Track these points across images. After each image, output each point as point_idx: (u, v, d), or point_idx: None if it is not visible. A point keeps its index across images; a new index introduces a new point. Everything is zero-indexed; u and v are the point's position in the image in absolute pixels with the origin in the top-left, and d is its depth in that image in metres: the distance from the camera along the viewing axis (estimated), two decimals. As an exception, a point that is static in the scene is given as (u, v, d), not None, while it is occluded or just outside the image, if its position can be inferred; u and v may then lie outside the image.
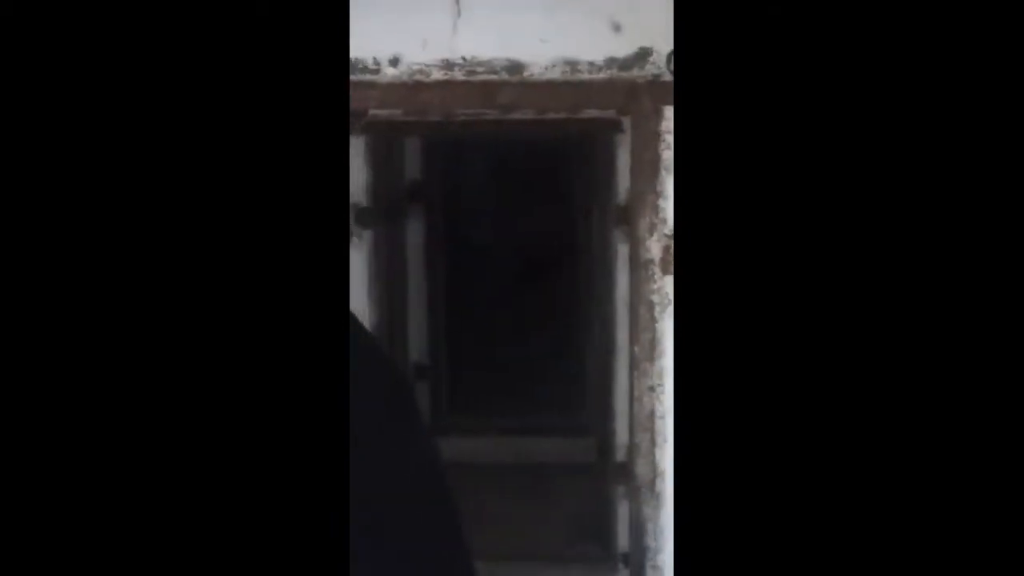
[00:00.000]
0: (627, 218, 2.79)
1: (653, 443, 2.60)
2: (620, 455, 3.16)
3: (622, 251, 3.00)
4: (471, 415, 5.29)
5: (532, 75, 2.47)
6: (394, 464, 1.24)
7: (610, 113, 2.74)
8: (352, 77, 2.53)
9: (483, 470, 4.60)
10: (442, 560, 1.48)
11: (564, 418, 5.22)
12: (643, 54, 2.47)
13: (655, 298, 2.54)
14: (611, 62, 2.46)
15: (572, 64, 2.47)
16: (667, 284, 2.53)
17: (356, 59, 2.50)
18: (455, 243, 5.64)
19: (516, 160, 5.67)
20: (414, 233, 4.79)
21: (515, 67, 2.48)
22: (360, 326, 1.26)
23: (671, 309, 2.52)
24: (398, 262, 4.39)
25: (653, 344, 2.56)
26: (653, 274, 2.53)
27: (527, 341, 6.04)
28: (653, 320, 2.56)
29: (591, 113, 2.73)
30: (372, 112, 2.80)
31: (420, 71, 2.50)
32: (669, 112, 2.50)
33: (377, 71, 2.50)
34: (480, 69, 2.48)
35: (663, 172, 2.52)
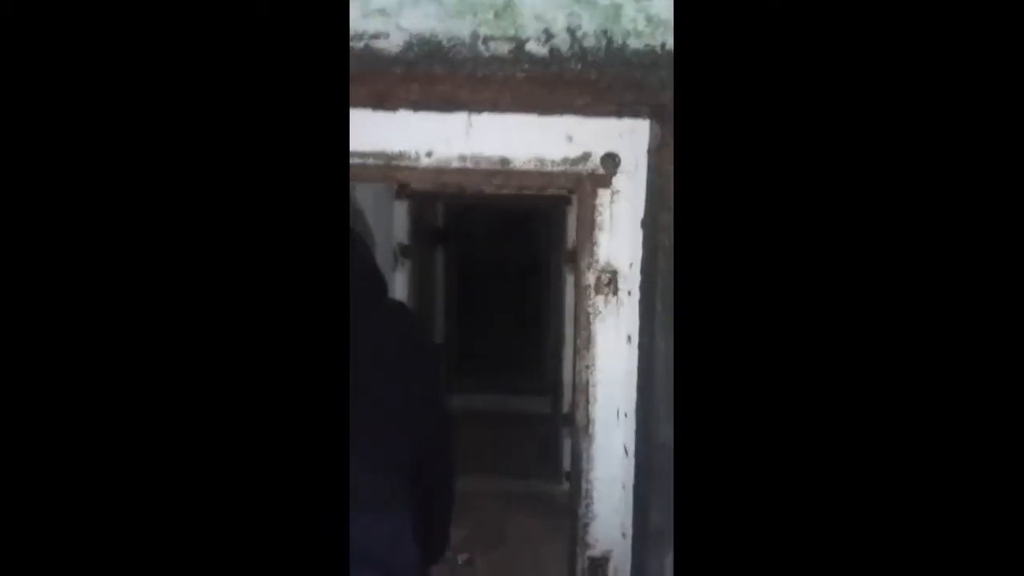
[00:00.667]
0: (573, 257, 3.43)
1: (587, 402, 3.03)
2: (566, 408, 3.99)
3: (569, 279, 3.77)
4: (472, 379, 7.06)
5: (516, 166, 2.88)
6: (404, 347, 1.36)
7: (563, 191, 3.32)
8: (401, 163, 2.88)
9: (477, 415, 6.00)
10: (427, 404, 1.63)
11: (531, 383, 6.76)
12: (585, 156, 2.87)
13: (590, 310, 2.96)
14: (565, 160, 2.88)
15: (541, 160, 2.87)
16: (598, 301, 3.21)
17: (403, 151, 2.86)
18: (465, 267, 7.48)
19: (506, 217, 7.68)
20: (439, 261, 6.22)
21: (505, 160, 2.90)
22: (402, 305, 1.42)
23: (600, 317, 2.93)
24: (428, 279, 5.65)
25: (588, 339, 2.96)
26: (590, 294, 2.94)
27: (512, 332, 7.81)
28: (589, 324, 2.95)
29: (553, 191, 3.30)
30: (412, 187, 3.46)
31: (445, 160, 2.88)
32: (601, 193, 2.88)
33: (417, 159, 2.87)
34: (483, 162, 2.89)
35: (597, 229, 2.92)
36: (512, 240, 8.37)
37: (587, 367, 3.06)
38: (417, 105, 2.95)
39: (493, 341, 7.84)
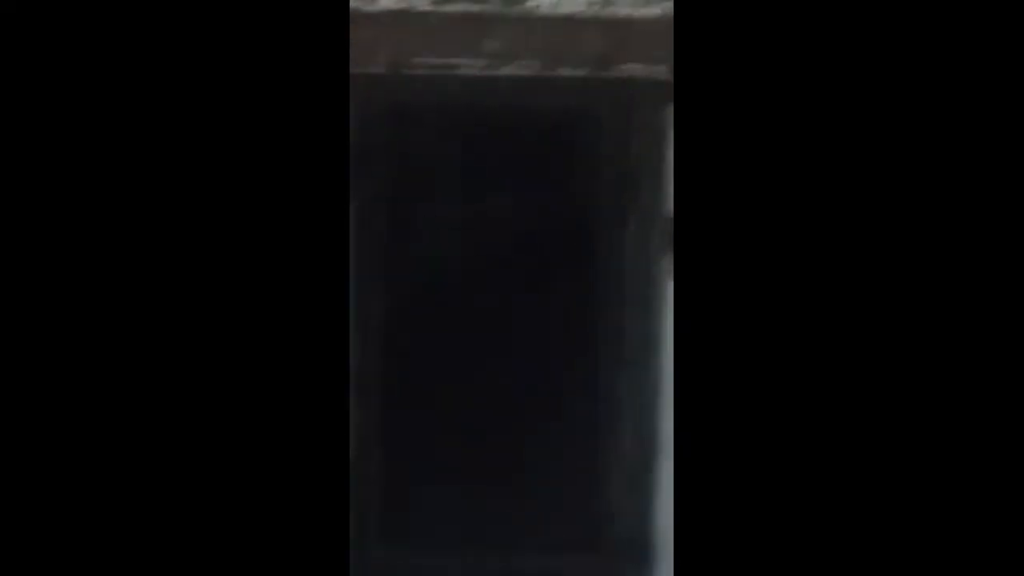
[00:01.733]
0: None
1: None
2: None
3: (666, 285, 1.85)
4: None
5: (540, 7, 1.51)
6: None
7: (661, 71, 1.66)
8: None
9: None
10: None
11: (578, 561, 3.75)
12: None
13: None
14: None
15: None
16: None
17: None
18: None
19: (506, 145, 3.50)
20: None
21: None
22: None
23: None
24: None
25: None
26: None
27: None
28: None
29: (632, 69, 1.64)
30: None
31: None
32: None
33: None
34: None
35: None
36: (519, 195, 3.69)
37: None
38: None
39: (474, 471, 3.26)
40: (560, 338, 2.21)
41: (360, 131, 2.14)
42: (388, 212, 2.10)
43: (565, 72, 1.65)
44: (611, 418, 2.28)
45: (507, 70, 1.63)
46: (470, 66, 1.59)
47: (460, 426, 2.23)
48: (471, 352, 2.12)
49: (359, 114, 2.16)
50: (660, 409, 1.95)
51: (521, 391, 2.19)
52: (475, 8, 1.48)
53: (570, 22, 1.50)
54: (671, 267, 1.84)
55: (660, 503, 2.01)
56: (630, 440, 2.10)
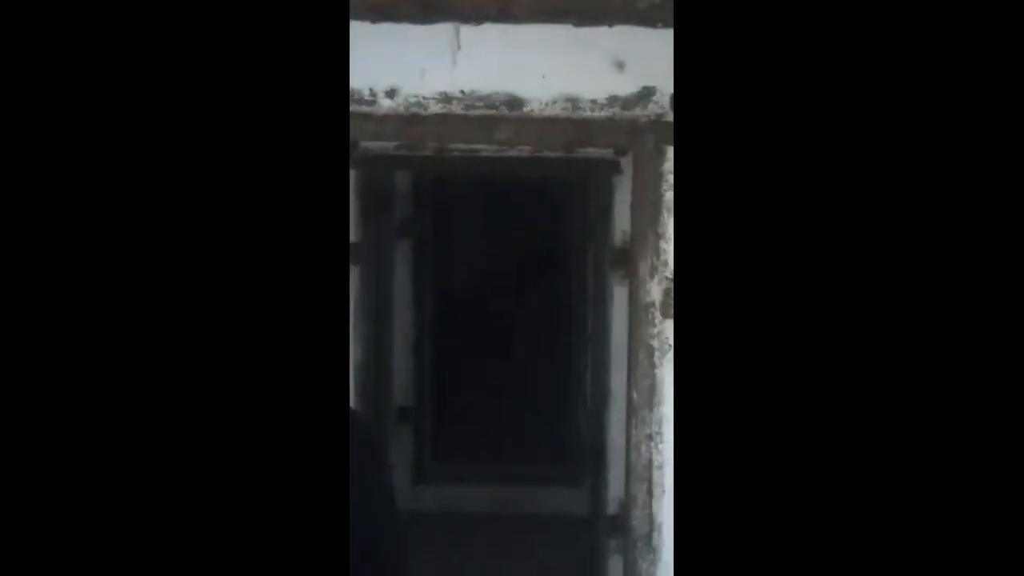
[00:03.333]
0: (626, 260, 2.28)
1: (650, 495, 2.01)
2: (613, 508, 2.60)
3: (619, 294, 2.48)
4: (455, 461, 4.09)
5: (532, 110, 1.97)
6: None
7: (609, 153, 2.26)
8: (350, 107, 1.84)
9: (462, 520, 3.60)
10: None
11: (555, 467, 3.97)
12: (646, 93, 1.98)
13: (655, 343, 1.96)
14: (613, 100, 1.97)
15: (573, 101, 1.98)
16: (667, 328, 1.90)
17: (352, 90, 1.95)
18: (444, 275, 4.27)
19: (512, 194, 4.15)
20: (400, 264, 3.77)
21: (515, 102, 1.96)
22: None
23: (671, 354, 1.94)
24: (385, 294, 3.54)
25: (652, 390, 1.97)
26: (653, 317, 1.96)
27: (519, 381, 4.45)
28: (652, 366, 1.97)
29: (590, 152, 2.25)
30: (363, 145, 2.29)
31: (417, 103, 1.96)
32: (672, 152, 1.96)
33: (373, 102, 1.96)
34: (479, 104, 1.96)
35: (664, 213, 1.97)
36: (520, 231, 4.58)
37: (648, 437, 2.01)
38: (376, 11, 1.92)
39: (488, 398, 4.54)
40: (545, 324, 3.66)
41: (414, 195, 3.12)
42: (432, 246, 2.99)
43: (548, 153, 2.34)
44: (579, 375, 3.67)
45: (511, 152, 2.25)
46: (487, 149, 2.19)
47: (485, 370, 4.02)
48: (489, 333, 3.64)
49: (414, 184, 3.10)
50: (610, 369, 2.68)
51: (521, 358, 3.39)
52: (490, 112, 1.97)
53: (551, 121, 1.97)
54: (619, 277, 2.50)
55: (611, 431, 2.61)
56: (590, 389, 3.18)
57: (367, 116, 2.02)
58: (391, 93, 2.04)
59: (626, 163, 2.19)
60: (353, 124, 1.96)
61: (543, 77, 2.00)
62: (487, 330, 4.80)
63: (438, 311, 4.18)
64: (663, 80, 2.00)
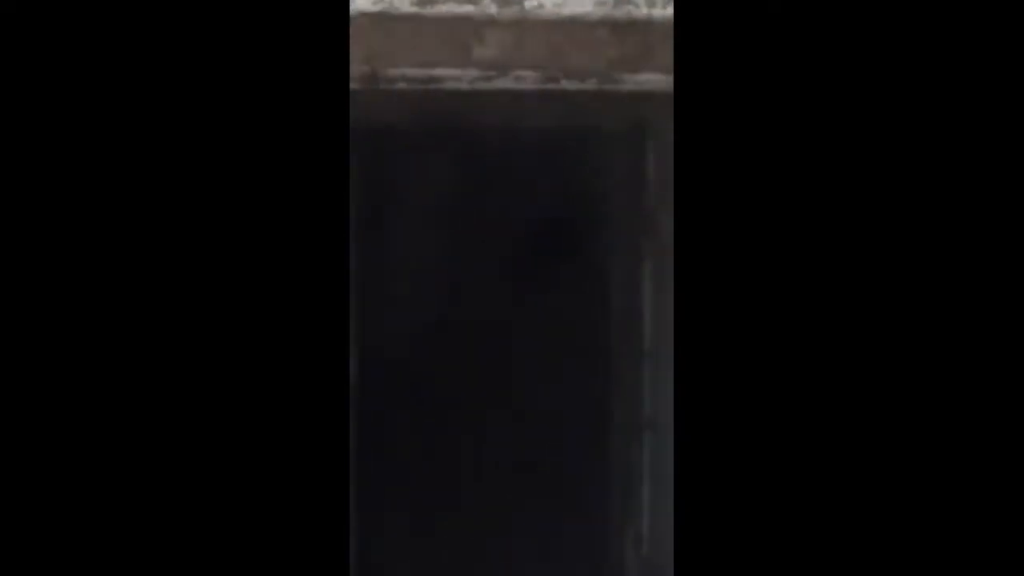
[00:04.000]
0: None
1: None
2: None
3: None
4: None
5: (541, 6, 1.23)
6: None
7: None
8: None
9: None
10: None
11: None
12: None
13: None
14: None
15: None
16: None
17: None
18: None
19: (504, 167, 2.45)
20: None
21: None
22: None
23: None
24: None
25: None
26: None
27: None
28: None
29: (647, 81, 1.38)
30: None
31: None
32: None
33: None
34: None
35: None
36: (519, 221, 2.62)
37: None
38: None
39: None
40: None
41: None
42: (360, 244, 1.85)
43: (568, 84, 1.43)
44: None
45: (503, 82, 1.42)
46: (457, 79, 1.37)
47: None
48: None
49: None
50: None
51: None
52: (464, 9, 1.24)
53: (575, 24, 1.28)
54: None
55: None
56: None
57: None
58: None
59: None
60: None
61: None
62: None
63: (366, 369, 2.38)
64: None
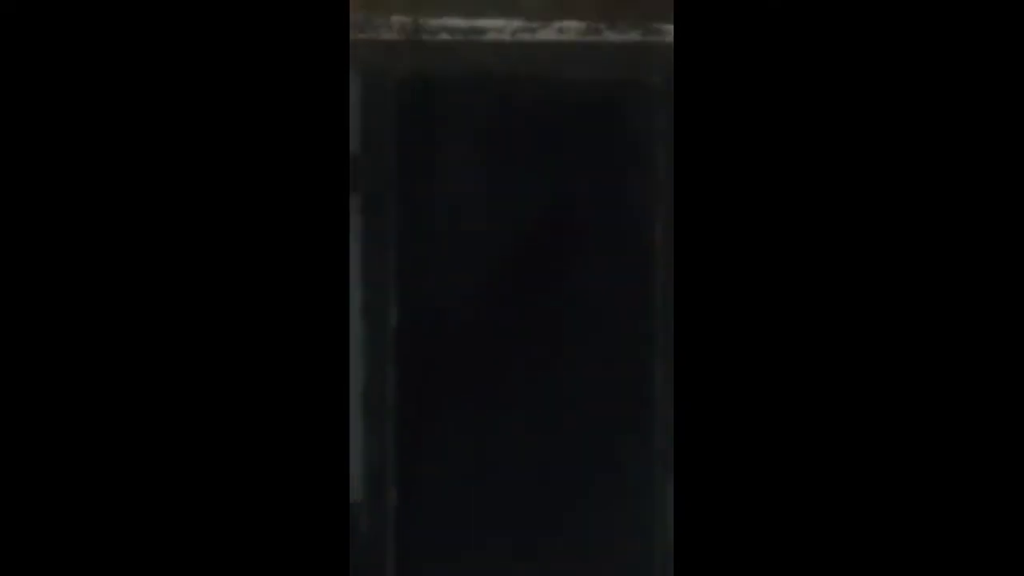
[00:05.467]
0: None
1: None
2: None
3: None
4: None
5: None
6: None
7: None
8: None
9: None
10: None
11: None
12: None
13: None
14: None
15: None
16: None
17: None
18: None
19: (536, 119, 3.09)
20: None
21: None
22: None
23: None
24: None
25: None
26: None
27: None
28: None
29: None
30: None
31: None
32: None
33: None
34: None
35: None
36: (552, 189, 2.16)
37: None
38: None
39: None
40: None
41: (366, 110, 1.81)
42: (399, 204, 1.83)
43: (612, 36, 1.41)
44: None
45: (545, 34, 1.38)
46: (502, 29, 1.33)
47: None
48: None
49: (365, 90, 1.82)
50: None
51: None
52: None
53: None
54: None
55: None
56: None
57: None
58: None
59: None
60: None
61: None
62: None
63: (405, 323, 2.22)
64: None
